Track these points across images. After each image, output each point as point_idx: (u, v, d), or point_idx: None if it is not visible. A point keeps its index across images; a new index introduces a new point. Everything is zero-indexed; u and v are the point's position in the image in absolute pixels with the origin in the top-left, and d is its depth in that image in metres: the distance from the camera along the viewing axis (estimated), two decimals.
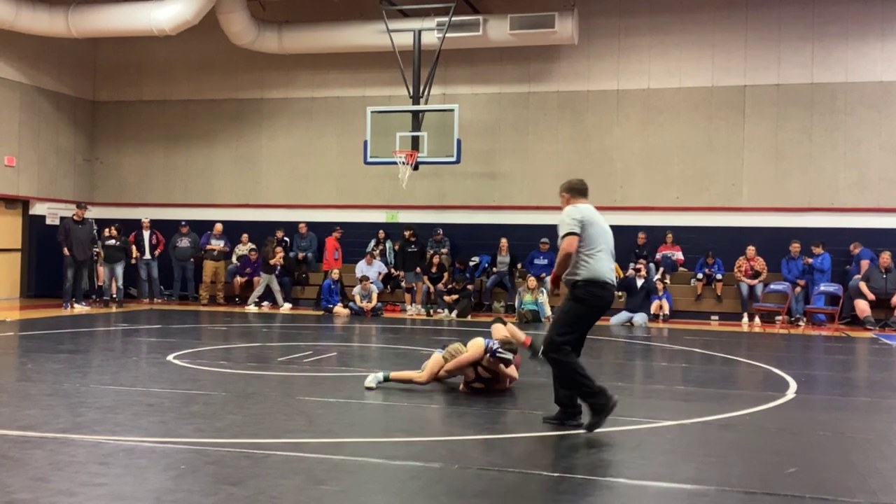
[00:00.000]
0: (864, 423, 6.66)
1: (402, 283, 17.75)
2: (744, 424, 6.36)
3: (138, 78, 20.63)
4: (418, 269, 17.55)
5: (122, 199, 20.59)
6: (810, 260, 16.17)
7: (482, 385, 7.31)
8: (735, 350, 11.70)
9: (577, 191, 6.08)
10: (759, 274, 16.55)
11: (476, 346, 7.27)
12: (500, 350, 7.15)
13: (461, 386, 7.42)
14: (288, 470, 4.70)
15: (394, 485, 4.57)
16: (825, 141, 17.19)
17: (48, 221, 19.31)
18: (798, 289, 16.15)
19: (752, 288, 16.44)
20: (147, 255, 18.54)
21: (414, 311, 17.29)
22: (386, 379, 7.39)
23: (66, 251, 16.42)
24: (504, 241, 17.70)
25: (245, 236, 19.05)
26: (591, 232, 5.77)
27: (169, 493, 4.22)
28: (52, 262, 17.68)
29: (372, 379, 7.39)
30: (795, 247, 16.39)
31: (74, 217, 16.80)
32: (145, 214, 19.28)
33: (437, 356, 7.50)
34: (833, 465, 5.14)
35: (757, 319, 16.16)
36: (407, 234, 17.84)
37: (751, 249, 16.65)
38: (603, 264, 5.73)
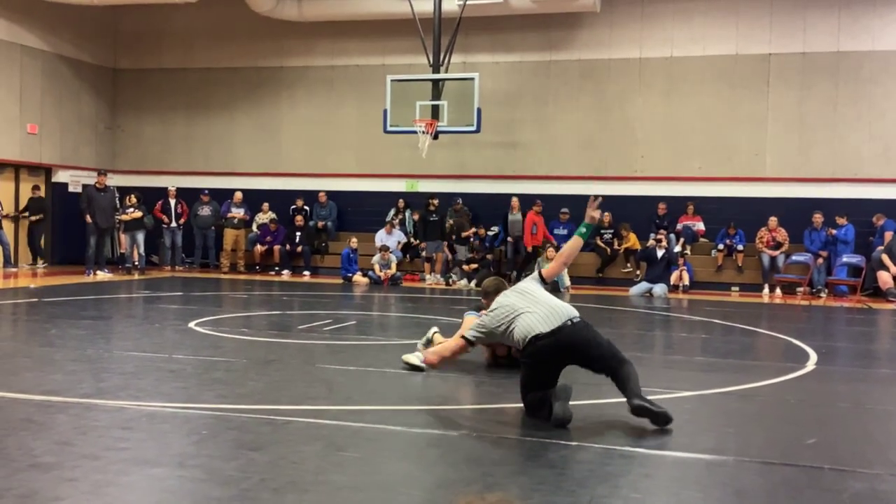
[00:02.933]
0: (885, 394, 6.63)
1: (423, 253, 17.76)
2: (763, 395, 6.35)
3: (158, 46, 20.64)
4: (457, 237, 17.54)
5: (144, 167, 20.69)
6: (834, 231, 16.02)
7: (507, 361, 7.07)
8: (755, 321, 11.64)
9: (487, 293, 6.03)
10: (781, 245, 16.43)
11: (466, 322, 7.00)
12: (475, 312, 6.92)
13: (486, 358, 7.17)
14: (308, 436, 4.74)
15: (413, 452, 4.60)
16: (850, 111, 16.96)
17: (71, 189, 19.45)
18: (820, 260, 16.03)
19: (773, 259, 16.33)
20: (173, 224, 18.68)
21: (433, 280, 17.31)
22: (428, 345, 7.07)
23: (88, 218, 16.55)
24: (515, 201, 17.60)
25: (266, 205, 19.13)
26: (500, 312, 5.37)
27: (191, 458, 4.27)
28: (74, 230, 17.83)
29: (416, 358, 6.77)
30: (818, 217, 16.24)
31: (97, 185, 16.91)
32: (167, 183, 19.41)
33: (470, 318, 7.08)
34: (853, 437, 5.12)
35: (778, 291, 16.07)
36: (434, 202, 17.80)
37: (773, 220, 16.52)
38: (525, 322, 5.23)
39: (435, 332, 7.68)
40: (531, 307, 5.26)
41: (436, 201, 17.91)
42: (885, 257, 15.48)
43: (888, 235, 15.92)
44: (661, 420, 4.95)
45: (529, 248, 17.02)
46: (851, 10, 16.92)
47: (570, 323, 5.16)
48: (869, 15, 16.84)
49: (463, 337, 5.49)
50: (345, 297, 14.28)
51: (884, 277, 15.39)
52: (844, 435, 5.18)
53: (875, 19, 16.81)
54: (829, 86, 17.06)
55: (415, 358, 6.83)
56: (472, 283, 16.47)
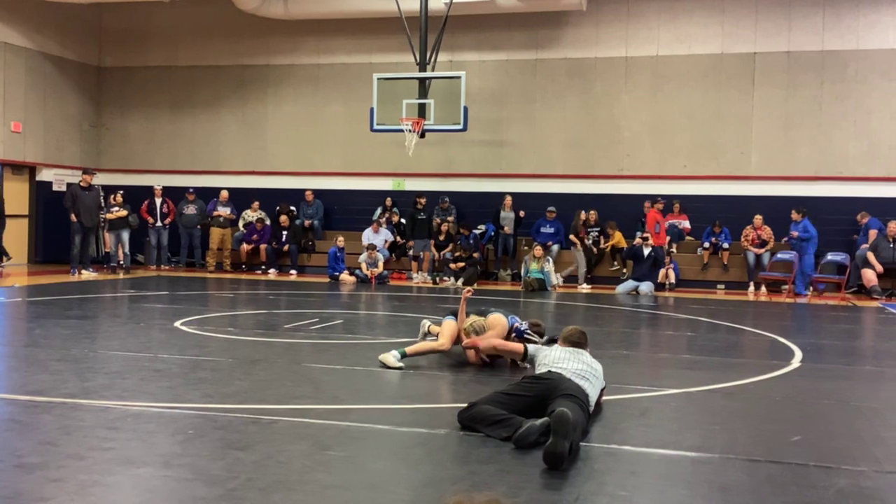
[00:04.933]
0: (870, 391, 6.67)
1: (410, 252, 17.76)
2: (749, 393, 6.38)
3: (143, 44, 20.53)
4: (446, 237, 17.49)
5: (129, 165, 20.59)
6: (796, 234, 16.05)
7: (490, 360, 7.12)
8: (741, 319, 11.70)
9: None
10: (766, 243, 16.51)
11: (500, 324, 6.99)
12: (528, 332, 6.86)
13: (471, 359, 7.16)
14: (294, 435, 4.73)
15: (399, 451, 4.60)
16: (835, 109, 17.06)
17: (55, 188, 19.33)
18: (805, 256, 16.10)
19: (758, 257, 16.41)
20: (159, 223, 18.60)
21: (420, 279, 17.31)
22: (403, 356, 6.94)
23: (73, 217, 16.45)
24: (508, 198, 17.64)
25: (256, 203, 19.05)
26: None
27: (177, 458, 4.26)
28: (59, 229, 17.71)
29: (394, 356, 6.88)
30: (795, 216, 16.24)
31: (81, 183, 16.81)
32: (152, 181, 19.32)
33: (449, 322, 7.28)
34: (838, 434, 5.15)
35: (763, 288, 16.14)
36: (421, 201, 17.78)
37: (758, 218, 16.59)
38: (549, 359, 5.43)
39: (429, 326, 7.71)
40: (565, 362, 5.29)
41: (423, 200, 17.91)
42: (870, 255, 15.58)
43: (872, 233, 16.02)
44: (548, 458, 4.23)
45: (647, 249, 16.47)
46: (836, 9, 17.02)
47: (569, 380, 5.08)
48: (853, 14, 16.94)
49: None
50: (331, 296, 14.26)
51: (868, 275, 15.49)
52: (829, 432, 5.21)
53: (860, 18, 16.92)
54: (814, 84, 17.15)
55: (392, 358, 6.90)
56: (460, 282, 16.47)
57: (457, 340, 7.26)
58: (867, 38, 16.87)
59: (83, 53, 20.36)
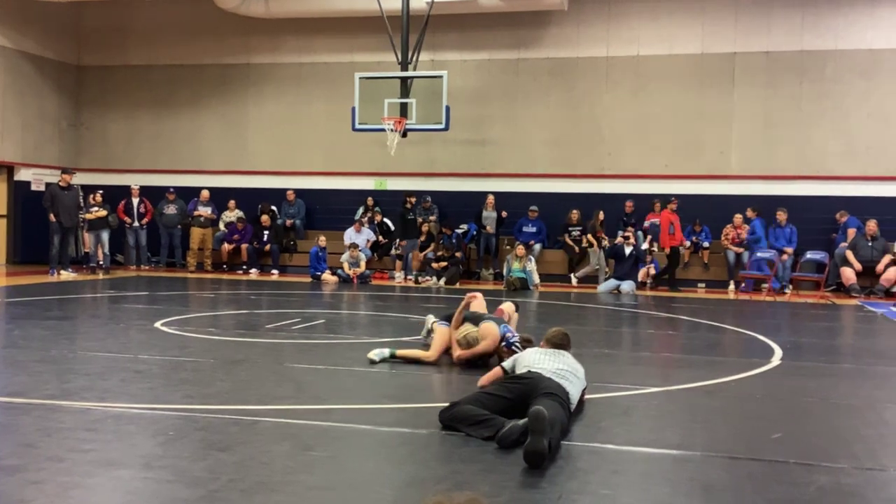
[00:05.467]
0: (849, 389, 6.72)
1: (399, 251, 17.59)
2: (729, 391, 6.42)
3: (123, 42, 20.39)
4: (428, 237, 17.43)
5: (109, 165, 20.43)
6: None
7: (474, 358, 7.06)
8: (721, 317, 11.77)
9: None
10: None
11: (491, 334, 6.92)
12: (516, 344, 6.80)
13: (455, 356, 7.10)
14: (277, 436, 4.71)
15: (382, 450, 4.59)
16: (814, 109, 17.19)
17: (33, 188, 19.16)
18: (785, 256, 16.22)
19: (738, 256, 16.51)
20: (136, 223, 18.47)
21: (401, 277, 17.28)
22: (392, 356, 7.09)
23: (52, 217, 16.31)
24: (490, 198, 17.67)
25: (232, 203, 18.98)
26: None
27: (157, 459, 4.23)
28: (37, 229, 17.56)
29: (377, 353, 7.07)
30: (782, 215, 16.41)
31: (60, 183, 16.67)
32: (132, 181, 19.18)
33: (442, 329, 7.24)
34: (818, 431, 5.19)
35: (743, 286, 16.24)
36: (410, 200, 17.69)
37: (738, 217, 16.69)
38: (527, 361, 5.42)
39: (433, 322, 7.63)
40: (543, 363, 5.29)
41: (413, 199, 17.84)
42: (849, 254, 15.71)
43: (851, 232, 16.16)
44: (528, 457, 4.20)
45: (668, 249, 16.29)
46: (815, 10, 17.15)
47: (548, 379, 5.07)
48: (832, 14, 17.08)
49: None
50: (313, 296, 14.21)
51: (847, 274, 15.62)
52: (809, 429, 5.25)
53: (839, 18, 17.06)
54: (794, 84, 17.27)
55: (376, 356, 7.06)
56: (442, 281, 16.46)
57: (447, 348, 7.20)
58: (845, 39, 17.02)
59: (62, 52, 20.20)
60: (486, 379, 5.71)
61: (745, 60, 17.46)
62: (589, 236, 17.06)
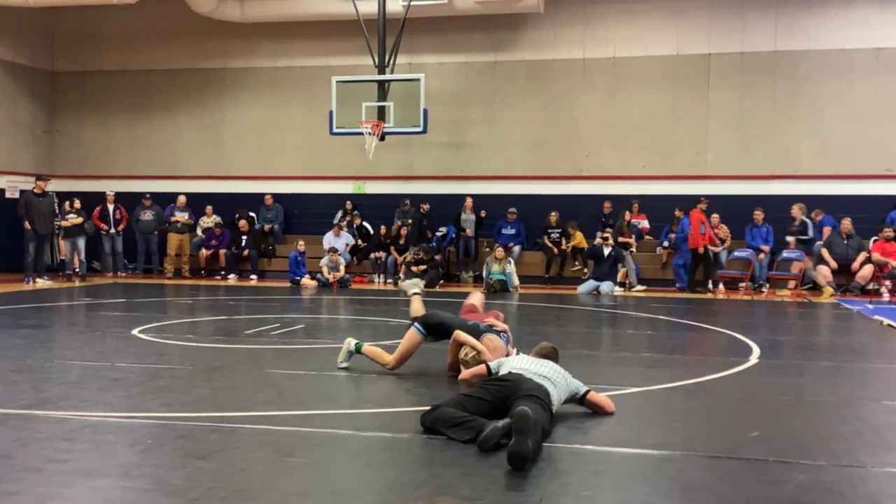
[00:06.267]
0: (826, 386, 6.78)
1: (412, 255, 17.29)
2: (708, 390, 6.45)
3: (97, 48, 20.24)
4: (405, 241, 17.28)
5: (84, 171, 20.27)
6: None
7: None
8: (699, 317, 11.83)
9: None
10: (724, 241, 16.72)
11: (498, 348, 6.53)
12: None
13: (448, 363, 6.77)
14: (256, 443, 4.68)
15: (363, 456, 4.57)
16: (788, 109, 17.35)
17: (8, 195, 18.95)
18: (762, 255, 16.34)
19: (716, 255, 16.61)
20: (112, 230, 18.32)
21: (380, 281, 17.26)
22: (358, 350, 6.85)
23: (27, 225, 16.16)
24: (469, 200, 17.68)
25: (209, 208, 18.88)
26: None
27: (136, 468, 4.19)
28: (12, 237, 17.37)
29: (344, 357, 6.88)
30: (759, 214, 16.54)
31: (35, 190, 16.51)
32: (108, 187, 19.02)
33: (413, 334, 6.79)
34: (796, 429, 5.22)
35: (721, 286, 16.34)
36: (424, 207, 17.48)
37: (715, 217, 16.79)
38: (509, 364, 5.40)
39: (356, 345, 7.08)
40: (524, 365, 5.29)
41: (427, 206, 17.62)
42: (824, 252, 15.85)
43: (826, 230, 16.31)
44: (512, 458, 4.20)
45: (701, 249, 15.98)
46: (788, 10, 17.31)
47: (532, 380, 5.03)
48: (805, 15, 17.25)
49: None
50: (293, 301, 14.16)
51: (823, 271, 15.76)
52: (788, 427, 5.29)
53: (811, 19, 17.23)
54: (768, 84, 17.42)
55: (343, 359, 6.92)
56: (421, 284, 16.41)
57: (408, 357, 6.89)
58: (818, 39, 17.19)
59: (35, 58, 20.01)
60: (468, 373, 5.66)
61: (720, 61, 17.59)
62: (611, 237, 16.57)
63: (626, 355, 8.51)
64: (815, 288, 15.95)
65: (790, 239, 15.85)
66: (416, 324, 6.86)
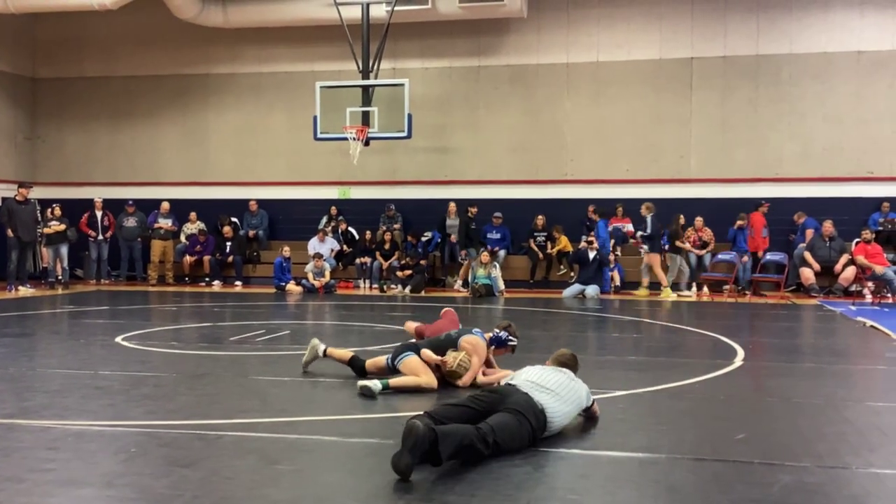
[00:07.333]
0: (811, 388, 6.81)
1: (462, 259, 17.15)
2: (693, 392, 6.47)
3: (79, 54, 20.13)
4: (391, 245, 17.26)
5: (66, 178, 20.14)
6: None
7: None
8: (684, 320, 11.88)
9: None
10: (707, 244, 16.80)
11: (474, 344, 6.52)
12: (510, 338, 6.61)
13: (462, 384, 6.49)
14: (241, 450, 4.66)
15: (349, 462, 4.56)
16: (770, 112, 17.46)
17: None
18: (745, 258, 16.42)
19: (700, 258, 16.68)
20: (100, 237, 18.22)
21: (366, 287, 17.24)
22: (385, 388, 6.24)
23: (10, 232, 16.04)
24: (452, 205, 17.64)
25: (193, 215, 18.80)
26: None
27: (120, 477, 4.16)
28: None
29: (371, 387, 6.18)
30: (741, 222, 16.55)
31: (17, 197, 16.40)
32: (90, 194, 18.93)
33: (413, 360, 6.50)
34: (781, 431, 5.25)
35: (705, 289, 16.41)
36: (472, 210, 17.16)
37: (699, 220, 16.88)
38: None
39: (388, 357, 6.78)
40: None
41: (475, 209, 17.25)
42: (807, 254, 15.96)
43: (809, 233, 16.41)
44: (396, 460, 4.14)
45: (760, 253, 16.19)
46: (769, 14, 17.43)
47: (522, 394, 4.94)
48: (786, 19, 17.37)
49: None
50: (278, 307, 14.11)
51: (806, 274, 15.86)
52: (773, 429, 5.31)
53: (792, 23, 17.35)
54: (750, 88, 17.53)
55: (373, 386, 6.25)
56: (407, 290, 16.44)
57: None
58: (799, 43, 17.32)
59: (16, 64, 19.88)
60: (490, 379, 6.34)
61: (703, 65, 17.69)
62: (678, 242, 16.50)
63: (611, 358, 8.52)
64: (799, 290, 16.04)
65: (634, 240, 16.27)
66: (404, 352, 6.64)
